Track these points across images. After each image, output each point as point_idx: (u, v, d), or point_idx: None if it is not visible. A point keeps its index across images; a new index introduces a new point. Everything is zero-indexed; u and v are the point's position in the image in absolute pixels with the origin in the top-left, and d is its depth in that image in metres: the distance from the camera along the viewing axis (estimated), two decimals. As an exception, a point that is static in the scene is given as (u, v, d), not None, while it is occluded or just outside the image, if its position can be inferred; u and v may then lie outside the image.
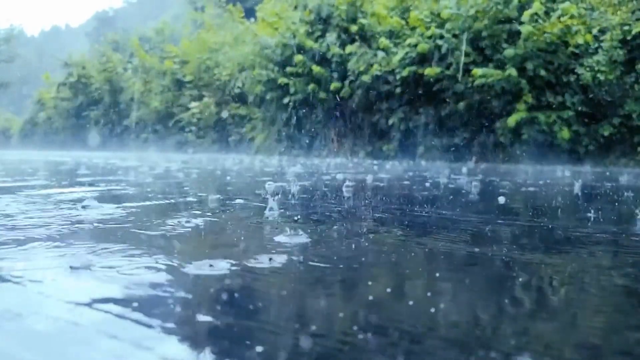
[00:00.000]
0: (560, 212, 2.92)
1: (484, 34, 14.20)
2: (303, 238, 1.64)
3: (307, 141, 18.52)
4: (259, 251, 1.47)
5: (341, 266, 1.34)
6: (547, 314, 0.99)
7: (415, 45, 15.04)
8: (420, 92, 15.10)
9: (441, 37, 14.75)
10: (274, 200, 2.36)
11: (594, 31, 13.52)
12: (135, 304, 0.96)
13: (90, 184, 4.16)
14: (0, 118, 42.30)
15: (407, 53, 15.15)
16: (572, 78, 13.40)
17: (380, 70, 15.61)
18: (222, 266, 1.27)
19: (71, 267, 1.23)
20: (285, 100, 18.31)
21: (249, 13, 26.98)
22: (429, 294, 1.12)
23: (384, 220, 2.31)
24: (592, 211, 2.65)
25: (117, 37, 38.50)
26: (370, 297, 1.08)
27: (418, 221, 2.33)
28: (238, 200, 3.05)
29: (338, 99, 16.76)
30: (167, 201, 2.97)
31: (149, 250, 1.48)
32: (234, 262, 1.32)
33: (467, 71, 14.17)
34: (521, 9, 13.84)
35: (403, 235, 1.92)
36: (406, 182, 5.23)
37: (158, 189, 3.90)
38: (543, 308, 1.04)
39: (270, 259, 1.35)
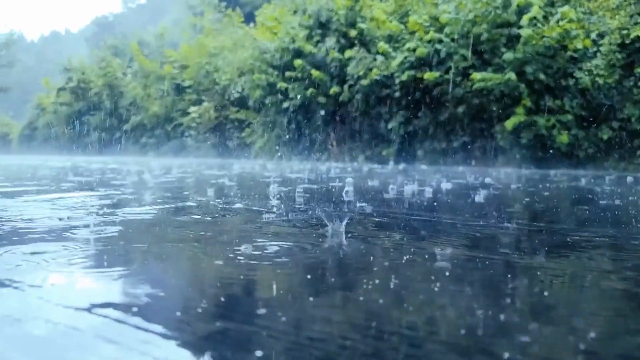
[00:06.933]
0: (559, 215, 2.92)
1: (483, 38, 14.24)
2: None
3: (307, 145, 18.53)
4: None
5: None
6: (547, 317, 0.99)
7: (414, 50, 15.08)
8: (419, 96, 15.13)
9: (440, 41, 14.79)
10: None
11: (593, 35, 13.56)
12: (134, 309, 0.96)
13: (91, 189, 4.16)
14: (0, 123, 42.29)
15: (406, 57, 15.18)
16: (571, 82, 13.43)
17: (380, 75, 15.64)
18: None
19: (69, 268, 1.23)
20: (285, 104, 18.34)
21: (248, 18, 27.05)
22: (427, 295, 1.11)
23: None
24: (591, 214, 2.65)
25: (117, 42, 38.56)
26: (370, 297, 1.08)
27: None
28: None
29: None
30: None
31: (150, 251, 1.48)
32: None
33: (466, 75, 14.20)
34: (520, 13, 13.89)
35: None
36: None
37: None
38: (542, 312, 1.04)
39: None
